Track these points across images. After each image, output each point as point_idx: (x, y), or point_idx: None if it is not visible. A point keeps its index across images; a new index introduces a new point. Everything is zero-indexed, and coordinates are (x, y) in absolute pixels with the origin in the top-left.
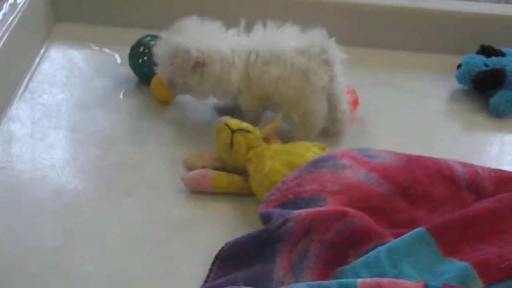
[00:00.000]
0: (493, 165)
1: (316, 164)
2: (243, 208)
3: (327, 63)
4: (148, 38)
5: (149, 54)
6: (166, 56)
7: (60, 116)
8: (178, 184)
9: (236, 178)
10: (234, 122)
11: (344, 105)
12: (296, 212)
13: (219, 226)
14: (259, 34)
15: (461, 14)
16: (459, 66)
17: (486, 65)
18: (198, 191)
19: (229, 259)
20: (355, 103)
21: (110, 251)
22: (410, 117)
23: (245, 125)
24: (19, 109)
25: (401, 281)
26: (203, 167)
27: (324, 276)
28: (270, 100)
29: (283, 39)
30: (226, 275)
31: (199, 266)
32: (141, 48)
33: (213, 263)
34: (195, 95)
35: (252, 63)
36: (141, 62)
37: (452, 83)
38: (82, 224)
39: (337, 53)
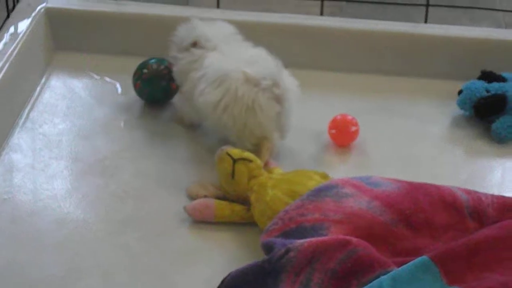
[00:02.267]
0: (496, 191)
1: (319, 193)
2: (246, 238)
3: (277, 99)
4: (153, 61)
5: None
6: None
7: (61, 146)
8: (181, 214)
9: (238, 207)
10: (236, 152)
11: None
12: (298, 241)
13: (221, 256)
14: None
15: (462, 39)
16: (460, 92)
17: (488, 91)
18: (200, 220)
19: None
20: (355, 133)
21: (112, 281)
22: (411, 143)
23: (247, 154)
24: (20, 139)
25: None
26: (205, 196)
27: None
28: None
29: (236, 63)
30: None
31: None
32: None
33: None
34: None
35: (196, 77)
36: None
37: (454, 109)
38: (84, 254)
39: (291, 86)
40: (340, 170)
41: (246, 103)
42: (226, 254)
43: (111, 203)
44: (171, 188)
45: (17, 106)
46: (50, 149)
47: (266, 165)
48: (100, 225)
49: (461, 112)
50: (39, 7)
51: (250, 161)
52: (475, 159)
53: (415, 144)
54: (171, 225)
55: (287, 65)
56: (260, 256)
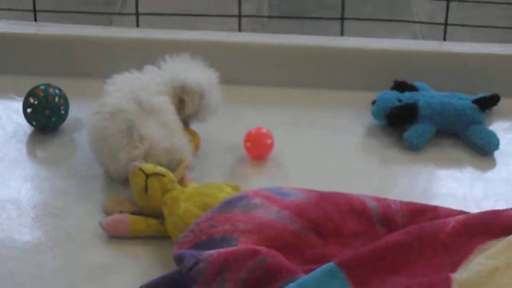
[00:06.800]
0: (407, 197)
1: (229, 204)
2: (160, 251)
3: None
4: (42, 86)
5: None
6: None
7: None
8: (97, 230)
9: (153, 221)
10: (149, 167)
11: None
12: (207, 252)
13: (137, 270)
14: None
15: (377, 51)
16: (373, 102)
17: (400, 100)
18: (116, 235)
19: None
20: (270, 146)
21: None
22: (326, 154)
23: (159, 169)
24: None
25: None
26: (121, 211)
27: None
28: None
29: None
30: None
31: None
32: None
33: None
34: None
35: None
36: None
37: (368, 119)
38: (0, 275)
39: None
40: (256, 182)
41: (97, 137)
42: (141, 267)
43: (29, 222)
44: (88, 205)
45: None
46: None
47: (182, 180)
48: (18, 244)
49: (376, 122)
50: None
51: (163, 175)
52: (388, 167)
53: (330, 155)
54: (88, 241)
55: None
56: (173, 269)
